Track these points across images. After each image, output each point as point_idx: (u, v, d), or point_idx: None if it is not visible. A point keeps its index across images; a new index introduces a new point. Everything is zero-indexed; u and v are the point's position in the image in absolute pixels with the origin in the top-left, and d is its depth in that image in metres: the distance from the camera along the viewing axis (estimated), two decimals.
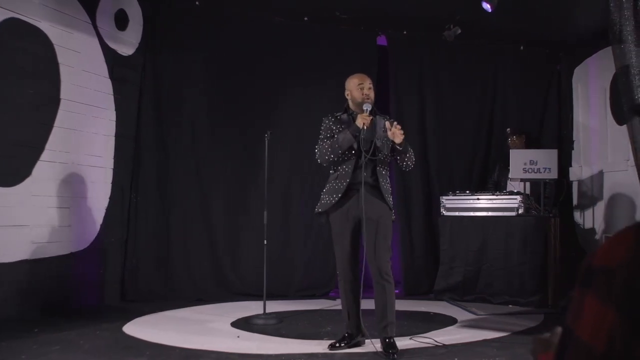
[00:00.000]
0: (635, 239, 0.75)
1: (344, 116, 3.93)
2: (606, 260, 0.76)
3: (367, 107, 3.79)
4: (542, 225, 5.62)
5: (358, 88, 3.87)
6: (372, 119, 3.78)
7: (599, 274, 0.76)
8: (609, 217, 6.18)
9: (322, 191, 3.92)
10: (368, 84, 3.90)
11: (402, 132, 3.76)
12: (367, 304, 3.93)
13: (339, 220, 3.81)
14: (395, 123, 3.80)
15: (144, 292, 5.63)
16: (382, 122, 3.89)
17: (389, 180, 3.91)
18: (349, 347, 3.77)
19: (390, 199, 3.84)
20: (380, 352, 3.63)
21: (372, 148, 3.73)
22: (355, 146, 3.75)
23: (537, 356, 1.03)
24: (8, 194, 4.52)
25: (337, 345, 3.78)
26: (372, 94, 3.89)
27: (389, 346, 3.62)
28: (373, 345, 3.69)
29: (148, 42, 5.84)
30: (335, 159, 3.80)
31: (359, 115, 3.77)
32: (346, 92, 3.95)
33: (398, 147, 3.79)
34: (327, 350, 3.72)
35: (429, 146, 6.71)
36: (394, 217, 3.89)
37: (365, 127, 3.70)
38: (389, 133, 3.76)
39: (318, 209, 3.90)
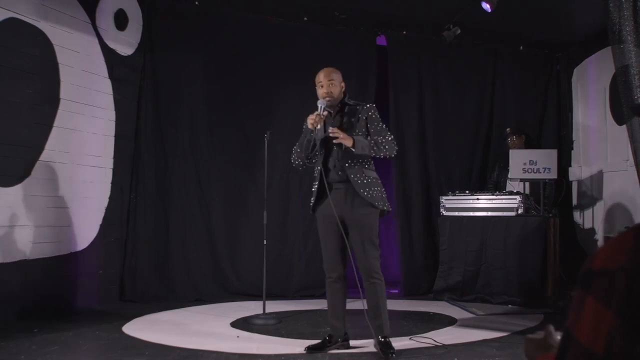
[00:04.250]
0: (635, 242, 0.75)
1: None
2: (606, 263, 0.76)
3: (321, 103, 3.60)
4: (541, 225, 5.62)
5: (319, 87, 3.70)
6: (323, 117, 3.58)
7: (598, 276, 0.76)
8: (608, 218, 6.18)
9: None
10: (327, 79, 3.64)
11: (340, 135, 3.50)
12: (356, 305, 3.90)
13: (319, 221, 3.77)
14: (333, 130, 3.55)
15: (143, 292, 5.63)
16: (355, 115, 3.66)
17: (366, 171, 3.62)
18: (322, 350, 3.68)
19: (367, 193, 3.56)
20: (379, 352, 3.62)
21: (312, 147, 3.64)
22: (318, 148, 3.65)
23: (533, 357, 1.03)
24: (8, 194, 4.52)
25: (313, 348, 3.70)
26: (334, 89, 3.63)
27: (386, 346, 3.59)
28: (354, 344, 3.68)
29: (147, 42, 5.84)
30: (300, 162, 3.77)
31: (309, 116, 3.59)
32: None
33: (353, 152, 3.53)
34: (327, 351, 3.71)
35: (429, 146, 6.71)
36: (386, 208, 3.63)
37: (317, 128, 3.55)
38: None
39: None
